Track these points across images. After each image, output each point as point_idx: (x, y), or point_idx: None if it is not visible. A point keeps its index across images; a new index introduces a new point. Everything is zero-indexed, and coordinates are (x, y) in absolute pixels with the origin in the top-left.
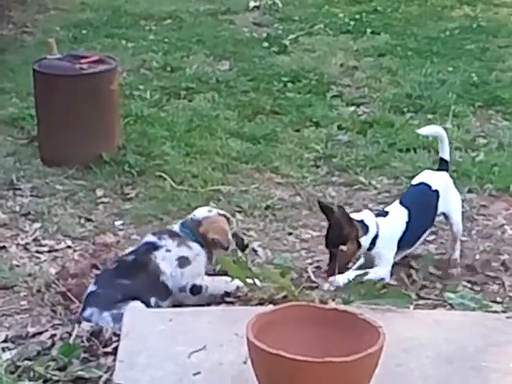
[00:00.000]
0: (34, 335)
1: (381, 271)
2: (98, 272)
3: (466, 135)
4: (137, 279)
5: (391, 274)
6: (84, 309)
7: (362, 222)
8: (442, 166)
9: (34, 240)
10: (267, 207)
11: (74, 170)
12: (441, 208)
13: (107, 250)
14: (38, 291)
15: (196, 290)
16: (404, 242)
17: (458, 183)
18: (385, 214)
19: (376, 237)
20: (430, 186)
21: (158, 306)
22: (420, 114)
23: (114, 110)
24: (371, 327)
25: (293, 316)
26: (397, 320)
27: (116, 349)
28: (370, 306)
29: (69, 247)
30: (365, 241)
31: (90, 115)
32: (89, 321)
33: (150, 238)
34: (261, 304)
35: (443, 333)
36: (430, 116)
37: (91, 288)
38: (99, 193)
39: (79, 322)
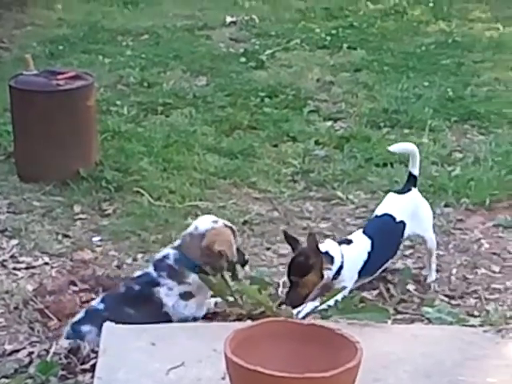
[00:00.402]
0: (11, 353)
1: (345, 292)
2: (76, 288)
3: (442, 150)
4: (141, 310)
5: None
6: (82, 323)
7: (327, 253)
8: (410, 181)
9: (11, 257)
10: (245, 222)
11: (52, 187)
12: (410, 232)
13: (85, 267)
14: (16, 308)
15: (188, 296)
16: (365, 271)
17: (434, 197)
18: (347, 242)
19: (341, 267)
20: (394, 218)
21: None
22: (396, 128)
23: (91, 125)
24: (349, 342)
25: (270, 332)
26: (375, 335)
27: (94, 366)
28: (348, 320)
29: (46, 264)
30: (329, 272)
31: (66, 131)
32: (81, 336)
33: (150, 270)
34: (239, 320)
35: (421, 347)
36: (406, 131)
37: (97, 305)
38: (77, 209)
39: (71, 332)
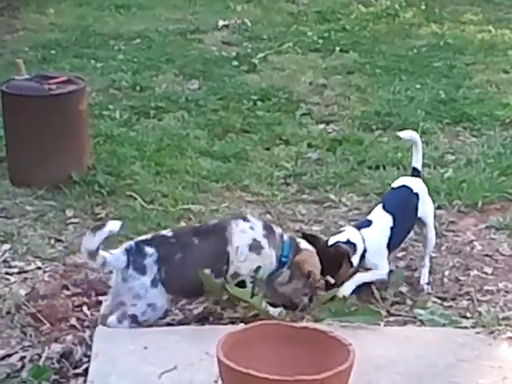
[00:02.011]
0: (3, 357)
1: (380, 272)
2: (68, 293)
3: (435, 152)
4: (207, 241)
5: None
6: (147, 243)
7: (348, 241)
8: (415, 174)
9: (4, 261)
10: None
11: (44, 191)
12: (419, 212)
13: (77, 271)
14: (8, 313)
15: (242, 285)
16: (391, 246)
17: None
18: (368, 223)
19: (364, 251)
20: (411, 189)
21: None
22: (389, 131)
23: (83, 130)
24: (341, 345)
25: (263, 334)
26: (367, 337)
27: (86, 370)
28: (341, 323)
29: (39, 268)
30: (355, 260)
31: (59, 136)
32: (142, 254)
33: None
34: (232, 323)
35: (413, 349)
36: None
37: (166, 233)
38: (69, 213)
39: (134, 249)
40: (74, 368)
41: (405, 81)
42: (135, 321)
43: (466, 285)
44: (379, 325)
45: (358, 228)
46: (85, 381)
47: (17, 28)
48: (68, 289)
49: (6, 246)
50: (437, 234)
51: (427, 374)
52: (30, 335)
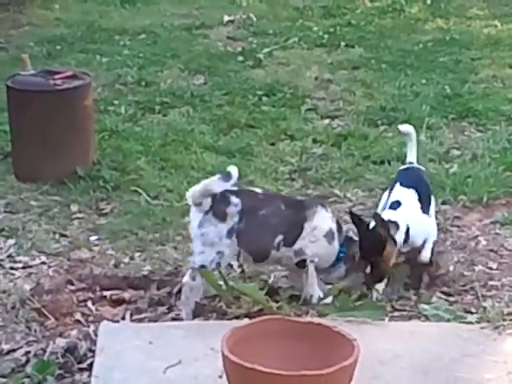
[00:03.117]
0: (8, 352)
1: (427, 251)
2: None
3: (440, 147)
4: (289, 211)
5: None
6: (232, 194)
7: (390, 221)
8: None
9: (9, 256)
10: None
11: (49, 186)
12: None
13: (82, 266)
14: (13, 308)
15: (301, 265)
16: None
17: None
18: (397, 203)
19: (408, 229)
20: (420, 168)
21: (277, 248)
22: (394, 126)
23: (88, 125)
24: (346, 340)
25: (268, 330)
26: (372, 332)
27: (91, 365)
28: (346, 318)
29: (43, 263)
30: (399, 238)
31: (64, 131)
32: (226, 201)
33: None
34: (236, 318)
35: (418, 344)
36: None
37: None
38: (74, 208)
39: (221, 199)
40: (79, 363)
41: (410, 76)
42: (204, 267)
43: (471, 280)
44: (384, 320)
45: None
46: (89, 375)
47: (22, 23)
48: (73, 284)
49: (11, 241)
50: (442, 229)
51: (432, 368)
52: (35, 330)
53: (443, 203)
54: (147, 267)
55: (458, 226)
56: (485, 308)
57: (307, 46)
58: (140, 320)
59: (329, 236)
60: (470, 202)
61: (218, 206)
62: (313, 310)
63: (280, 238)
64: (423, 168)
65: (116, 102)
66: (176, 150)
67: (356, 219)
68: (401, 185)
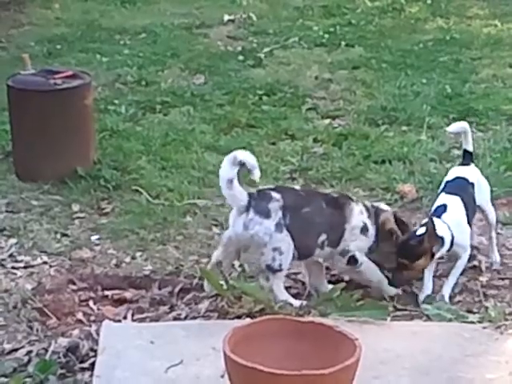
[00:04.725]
0: (10, 352)
1: (464, 259)
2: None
3: (441, 147)
4: (330, 210)
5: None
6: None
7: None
8: (466, 158)
9: (10, 256)
10: None
11: (50, 185)
12: (477, 200)
13: (83, 265)
14: (14, 307)
15: (353, 261)
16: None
17: (433, 194)
18: (443, 208)
19: (453, 238)
20: (467, 180)
21: (321, 247)
22: (395, 126)
23: (88, 124)
24: (348, 339)
25: (270, 329)
26: (374, 332)
27: (93, 364)
28: (347, 318)
29: (45, 263)
30: (443, 251)
31: (64, 130)
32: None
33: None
34: (238, 317)
35: (420, 344)
36: (404, 128)
37: None
38: (75, 208)
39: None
40: (81, 362)
41: (411, 75)
42: (274, 270)
43: (473, 280)
44: (386, 319)
45: (438, 216)
46: (91, 375)
47: (22, 23)
48: (74, 283)
49: (13, 241)
50: None
51: (434, 368)
52: (37, 329)
53: None
54: (148, 267)
55: None
56: (486, 308)
57: (307, 45)
58: (141, 319)
59: (364, 229)
60: None
61: (257, 203)
62: (314, 310)
63: (324, 237)
64: (471, 177)
65: (116, 101)
66: (177, 149)
67: (401, 225)
68: (446, 193)
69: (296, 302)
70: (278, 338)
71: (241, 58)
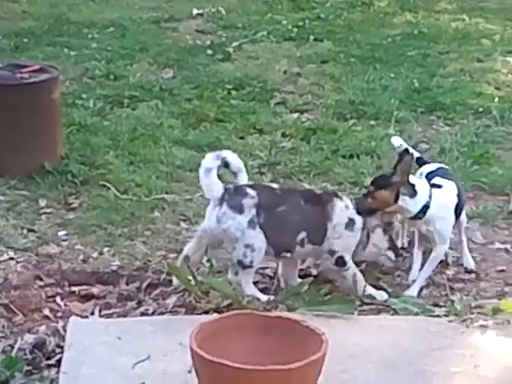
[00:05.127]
0: None
1: (439, 250)
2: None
3: (409, 141)
4: (309, 207)
5: None
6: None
7: (411, 185)
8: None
9: None
10: None
11: (16, 181)
12: None
13: (51, 261)
14: None
15: (341, 262)
16: (456, 215)
17: None
18: (438, 186)
19: (427, 207)
20: (448, 170)
21: (301, 244)
22: (363, 120)
23: (55, 119)
24: (314, 334)
25: (237, 324)
26: (341, 326)
27: (59, 361)
28: (315, 312)
29: (11, 259)
30: (411, 205)
31: (31, 125)
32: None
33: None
34: (206, 313)
35: (387, 338)
36: (372, 122)
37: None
38: (42, 203)
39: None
40: (47, 359)
41: (379, 70)
42: (245, 266)
43: (439, 273)
44: (353, 314)
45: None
46: (58, 371)
47: None
48: (41, 279)
49: None
50: None
51: (400, 362)
52: (3, 326)
53: None
54: (116, 262)
55: None
56: (453, 301)
57: (276, 39)
58: (109, 315)
59: (349, 225)
60: None
61: (231, 197)
62: (282, 305)
63: (304, 235)
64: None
65: (84, 95)
66: (145, 144)
67: (404, 152)
68: (441, 177)
69: (263, 297)
70: (245, 333)
71: (209, 52)
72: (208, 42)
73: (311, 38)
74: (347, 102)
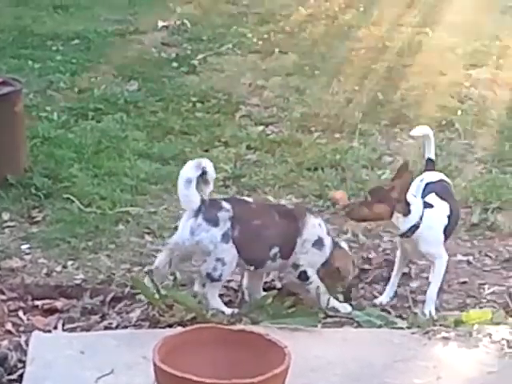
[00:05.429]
0: None
1: (438, 266)
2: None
3: (373, 153)
4: (283, 222)
5: None
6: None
7: (407, 203)
8: (429, 166)
9: None
10: (176, 228)
11: None
12: None
13: (13, 275)
14: None
15: (304, 277)
16: (445, 236)
17: None
18: (429, 205)
19: (416, 227)
20: (449, 184)
21: (273, 259)
22: (327, 132)
23: (19, 132)
24: (277, 347)
25: (200, 338)
26: (305, 339)
27: (22, 376)
28: (279, 325)
29: None
30: (402, 223)
31: None
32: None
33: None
34: (170, 326)
35: (351, 351)
36: (337, 135)
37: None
38: (5, 216)
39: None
40: (9, 374)
41: (343, 82)
42: (213, 279)
43: (403, 286)
44: (317, 326)
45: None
46: None
47: None
48: (3, 293)
49: None
50: (374, 234)
51: (364, 375)
52: None
53: None
54: (80, 276)
55: (390, 232)
56: (415, 314)
57: (241, 52)
58: (72, 329)
59: (318, 244)
60: None
61: (207, 209)
62: (246, 318)
63: (276, 250)
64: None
65: (48, 108)
66: (109, 156)
67: (404, 168)
68: (436, 195)
69: (228, 310)
70: (208, 347)
71: (175, 64)
72: (173, 55)
73: (276, 50)
74: (312, 114)
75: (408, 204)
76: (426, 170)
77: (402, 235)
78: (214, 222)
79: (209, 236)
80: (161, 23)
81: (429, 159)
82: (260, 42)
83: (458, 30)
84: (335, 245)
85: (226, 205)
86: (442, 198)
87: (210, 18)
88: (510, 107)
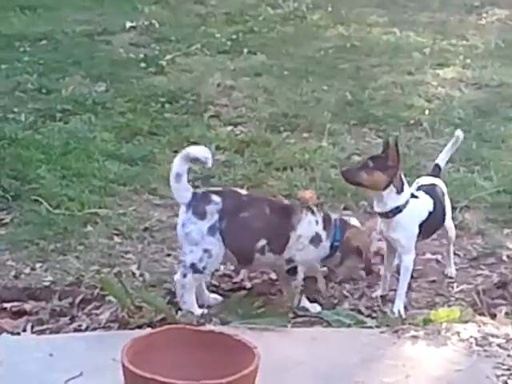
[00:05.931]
0: None
1: (405, 261)
2: None
3: (341, 153)
4: (274, 216)
5: None
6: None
7: (402, 181)
8: (434, 171)
9: None
10: (145, 229)
11: None
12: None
13: None
14: None
15: (292, 272)
16: (422, 231)
17: (333, 201)
18: (413, 196)
19: (399, 211)
20: (442, 191)
21: (261, 252)
22: (296, 132)
23: None
24: (246, 348)
25: (169, 339)
26: (274, 339)
27: None
28: (248, 325)
29: None
30: (390, 199)
31: None
32: None
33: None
34: (139, 327)
35: (320, 350)
36: (306, 135)
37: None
38: None
39: None
40: None
41: (312, 82)
42: (196, 270)
43: (372, 284)
44: (286, 326)
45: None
46: None
47: None
48: None
49: None
50: None
51: (333, 374)
52: None
53: (345, 209)
54: (49, 278)
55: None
56: (385, 312)
57: (210, 52)
58: (41, 331)
59: (314, 240)
60: (370, 208)
61: (197, 203)
62: (216, 318)
63: (264, 242)
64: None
65: (16, 109)
66: (77, 158)
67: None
68: (423, 192)
69: (198, 311)
70: (177, 348)
71: (143, 65)
72: (141, 55)
73: (245, 51)
74: (280, 114)
75: (402, 183)
76: (428, 174)
77: (383, 214)
78: (201, 216)
79: (196, 228)
80: (129, 24)
81: (436, 165)
82: (228, 42)
83: (425, 30)
84: (345, 224)
85: (215, 198)
86: (429, 195)
87: (178, 18)
88: (477, 106)
